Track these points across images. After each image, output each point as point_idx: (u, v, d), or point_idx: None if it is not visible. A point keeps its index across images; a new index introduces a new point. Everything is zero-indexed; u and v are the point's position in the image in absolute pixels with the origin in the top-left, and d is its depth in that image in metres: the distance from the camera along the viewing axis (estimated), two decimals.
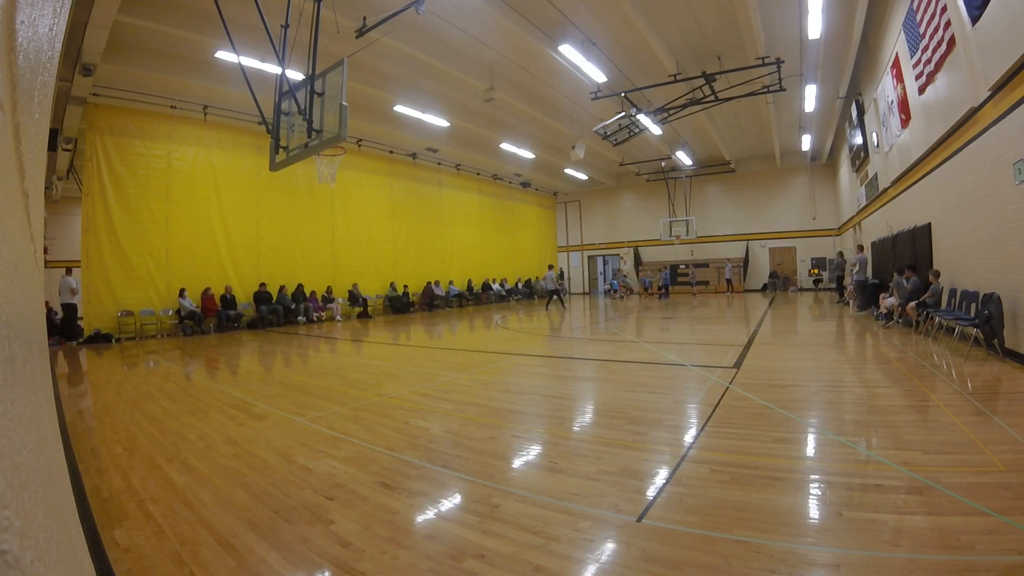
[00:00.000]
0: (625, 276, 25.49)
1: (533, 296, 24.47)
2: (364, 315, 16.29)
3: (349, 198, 16.79)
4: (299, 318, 14.42)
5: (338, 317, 15.57)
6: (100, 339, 11.00)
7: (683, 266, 24.89)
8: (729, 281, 22.91)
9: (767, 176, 23.39)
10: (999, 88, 5.72)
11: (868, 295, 11.63)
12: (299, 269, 15.12)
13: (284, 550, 2.33)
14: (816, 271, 22.29)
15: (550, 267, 20.34)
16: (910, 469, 2.89)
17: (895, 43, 9.16)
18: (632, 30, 10.50)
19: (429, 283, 19.08)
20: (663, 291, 22.24)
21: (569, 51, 10.44)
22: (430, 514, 2.69)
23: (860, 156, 14.60)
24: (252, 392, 5.91)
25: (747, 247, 23.72)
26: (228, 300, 13.12)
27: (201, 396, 5.81)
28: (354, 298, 16.34)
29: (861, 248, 13.15)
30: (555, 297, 18.78)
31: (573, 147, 16.63)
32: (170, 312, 12.25)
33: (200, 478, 3.22)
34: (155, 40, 10.01)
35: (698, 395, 4.98)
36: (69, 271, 11.69)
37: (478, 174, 22.60)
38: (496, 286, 22.93)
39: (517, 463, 3.45)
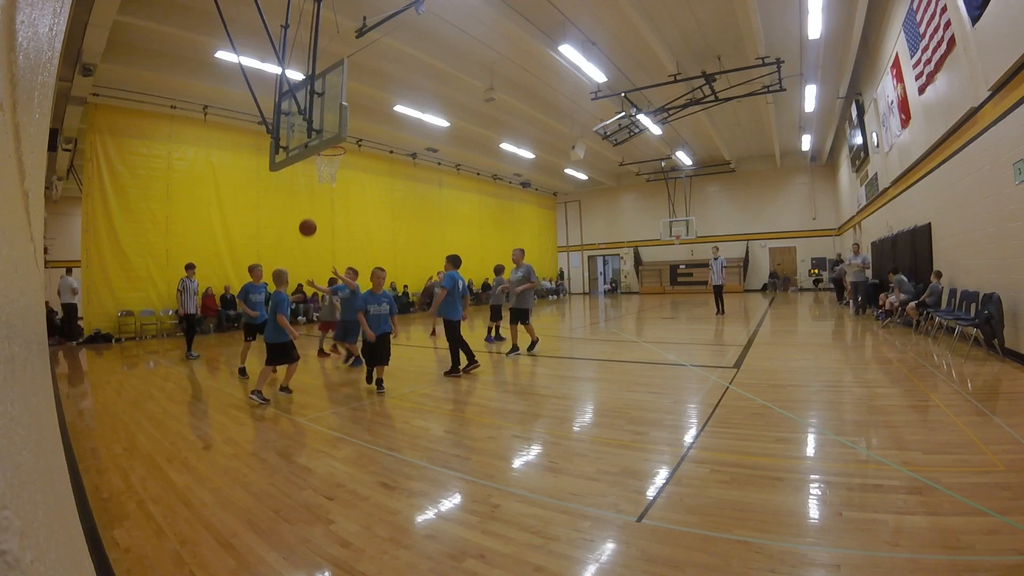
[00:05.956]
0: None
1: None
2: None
3: (349, 198, 16.78)
4: (299, 318, 14.41)
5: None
6: (100, 339, 11.00)
7: (683, 266, 24.78)
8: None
9: (767, 176, 23.37)
10: (999, 88, 5.72)
11: (867, 295, 11.58)
12: (299, 269, 15.08)
13: (284, 550, 2.33)
14: (816, 271, 22.26)
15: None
16: (910, 469, 2.89)
17: (895, 43, 9.15)
18: (632, 30, 10.49)
19: (429, 282, 19.05)
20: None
21: (569, 51, 10.43)
22: (430, 514, 2.69)
23: (860, 156, 14.59)
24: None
25: (747, 247, 23.70)
26: (228, 300, 13.12)
27: (201, 396, 5.81)
28: None
29: (858, 248, 12.65)
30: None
31: (573, 147, 16.62)
32: (170, 312, 12.24)
33: (200, 478, 3.22)
34: (155, 40, 10.00)
35: (698, 395, 4.98)
36: (69, 271, 11.70)
37: (478, 174, 22.58)
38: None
39: (517, 463, 3.45)
